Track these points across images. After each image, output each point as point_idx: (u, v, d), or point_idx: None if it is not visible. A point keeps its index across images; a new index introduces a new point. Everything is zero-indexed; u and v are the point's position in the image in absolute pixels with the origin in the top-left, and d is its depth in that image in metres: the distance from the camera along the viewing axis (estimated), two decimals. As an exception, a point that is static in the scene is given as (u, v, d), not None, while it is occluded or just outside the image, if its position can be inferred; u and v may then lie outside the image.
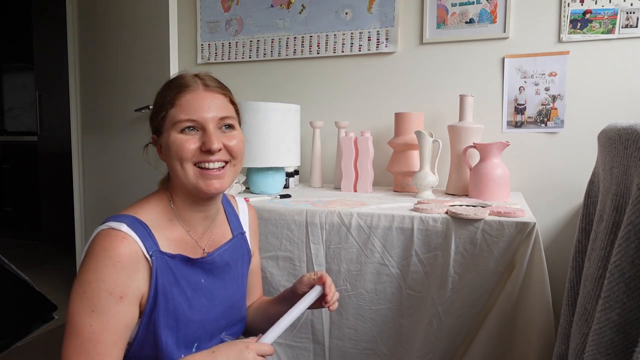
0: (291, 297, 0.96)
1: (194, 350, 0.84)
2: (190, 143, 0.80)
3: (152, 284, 0.78)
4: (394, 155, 1.82)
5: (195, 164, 0.81)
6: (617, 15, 1.70)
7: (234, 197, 1.05)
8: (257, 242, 1.07)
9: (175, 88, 0.83)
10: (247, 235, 1.00)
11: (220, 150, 0.81)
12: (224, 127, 0.84)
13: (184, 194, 0.85)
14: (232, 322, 0.93)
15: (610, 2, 1.70)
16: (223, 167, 0.83)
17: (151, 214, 0.82)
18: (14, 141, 4.00)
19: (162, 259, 0.79)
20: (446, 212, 1.30)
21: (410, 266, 1.31)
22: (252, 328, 1.03)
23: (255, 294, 1.09)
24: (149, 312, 0.78)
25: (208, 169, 0.81)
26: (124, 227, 0.76)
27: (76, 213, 2.71)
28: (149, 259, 0.77)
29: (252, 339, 0.82)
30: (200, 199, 0.85)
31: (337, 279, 1.38)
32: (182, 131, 0.81)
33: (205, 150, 0.80)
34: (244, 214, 1.02)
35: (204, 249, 0.88)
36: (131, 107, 2.32)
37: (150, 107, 0.88)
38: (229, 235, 0.95)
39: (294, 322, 1.43)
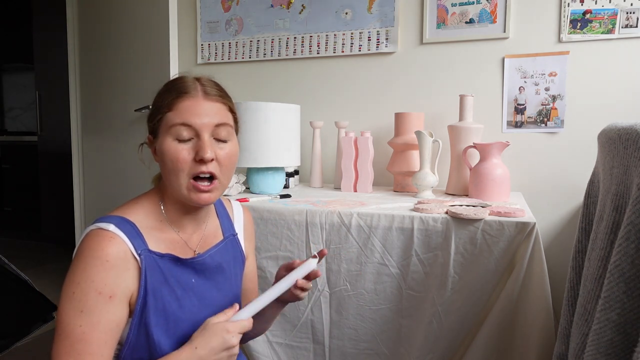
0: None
1: None
2: (185, 153, 0.79)
3: (141, 283, 0.78)
4: (394, 155, 1.82)
5: (188, 176, 0.80)
6: (617, 15, 1.70)
7: (229, 200, 1.04)
8: (253, 246, 1.07)
9: (174, 92, 0.82)
10: (241, 237, 1.00)
11: (212, 160, 0.80)
12: (218, 137, 0.82)
13: (175, 197, 0.85)
14: None
15: (610, 2, 1.70)
16: (212, 181, 0.82)
17: (140, 214, 0.83)
18: (14, 141, 4.00)
19: (150, 258, 0.79)
20: (446, 212, 1.30)
21: (410, 266, 1.31)
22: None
23: (249, 299, 1.09)
24: (139, 312, 0.78)
25: (200, 183, 0.80)
26: (111, 227, 0.76)
27: (76, 213, 2.71)
28: (138, 258, 0.78)
29: (225, 316, 0.81)
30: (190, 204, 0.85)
31: (337, 279, 1.38)
32: (177, 138, 0.80)
33: (198, 159, 0.79)
34: (239, 216, 1.02)
35: (194, 250, 0.88)
36: (131, 107, 2.32)
37: (150, 107, 0.87)
38: (221, 237, 0.95)
39: (294, 322, 1.44)
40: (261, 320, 1.01)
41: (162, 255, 0.81)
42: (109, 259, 0.74)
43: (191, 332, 0.83)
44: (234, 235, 0.98)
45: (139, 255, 0.78)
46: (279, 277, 0.94)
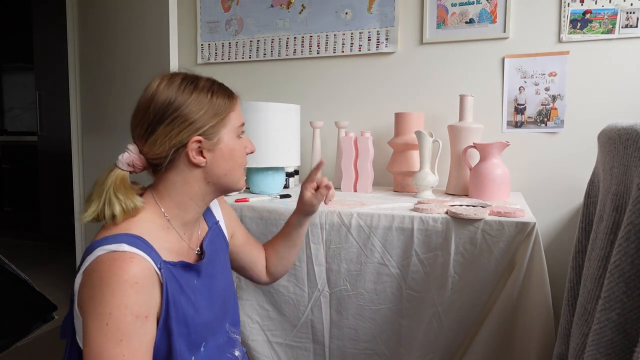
0: (296, 221, 1.09)
1: (202, 349, 0.85)
2: (245, 148, 0.91)
3: (163, 295, 0.76)
4: (394, 155, 1.82)
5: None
6: (617, 15, 1.70)
7: None
8: (234, 217, 1.09)
9: (229, 93, 0.89)
10: (222, 224, 1.02)
11: None
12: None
13: (196, 196, 0.85)
14: (227, 310, 0.96)
15: (610, 2, 1.70)
16: None
17: (144, 226, 0.80)
18: (14, 141, 4.00)
19: (167, 269, 0.78)
20: (446, 212, 1.30)
21: (410, 266, 1.31)
22: (280, 264, 1.12)
23: (260, 256, 1.12)
24: (163, 323, 0.77)
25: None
26: (125, 247, 0.72)
27: (76, 213, 2.71)
28: (158, 272, 0.76)
29: None
30: (216, 195, 0.90)
31: (337, 279, 1.38)
32: (239, 136, 0.89)
33: (250, 152, 0.92)
34: (215, 205, 1.04)
35: (195, 250, 0.90)
36: (131, 107, 2.32)
37: (198, 109, 0.85)
38: (206, 228, 0.97)
39: (294, 322, 1.44)
40: (287, 246, 1.11)
41: (174, 264, 0.80)
42: (138, 280, 0.71)
43: (205, 334, 0.86)
44: (216, 223, 1.00)
45: (160, 269, 0.76)
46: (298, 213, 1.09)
